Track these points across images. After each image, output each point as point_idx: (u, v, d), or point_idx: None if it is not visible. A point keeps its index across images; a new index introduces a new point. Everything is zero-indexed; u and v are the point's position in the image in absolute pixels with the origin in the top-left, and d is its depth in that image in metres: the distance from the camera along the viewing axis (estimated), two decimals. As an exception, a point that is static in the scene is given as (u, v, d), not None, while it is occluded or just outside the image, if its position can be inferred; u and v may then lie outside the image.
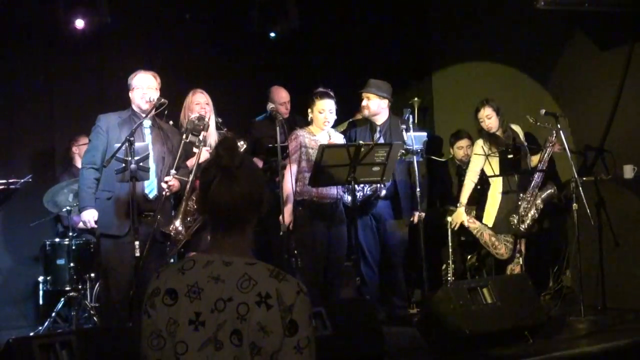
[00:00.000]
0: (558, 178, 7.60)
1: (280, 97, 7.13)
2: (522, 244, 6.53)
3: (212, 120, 5.85)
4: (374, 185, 6.22)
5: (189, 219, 5.49)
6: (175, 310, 2.09)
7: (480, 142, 6.75)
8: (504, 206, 6.61)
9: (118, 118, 5.41)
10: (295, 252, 6.27)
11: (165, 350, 2.08)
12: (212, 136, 5.83)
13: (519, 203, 6.49)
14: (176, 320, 2.08)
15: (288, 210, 5.86)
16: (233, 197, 2.12)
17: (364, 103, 6.56)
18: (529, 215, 6.48)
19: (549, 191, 6.47)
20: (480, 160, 6.70)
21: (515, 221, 6.43)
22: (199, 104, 5.85)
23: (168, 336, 2.08)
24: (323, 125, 5.98)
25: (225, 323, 2.04)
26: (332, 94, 6.01)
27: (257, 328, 2.01)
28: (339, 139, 6.13)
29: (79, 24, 7.04)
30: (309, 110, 6.08)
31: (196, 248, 5.65)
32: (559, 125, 6.34)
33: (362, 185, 6.16)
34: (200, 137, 5.55)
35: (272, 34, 8.12)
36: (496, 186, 6.68)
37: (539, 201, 6.45)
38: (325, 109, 5.95)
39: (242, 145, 5.70)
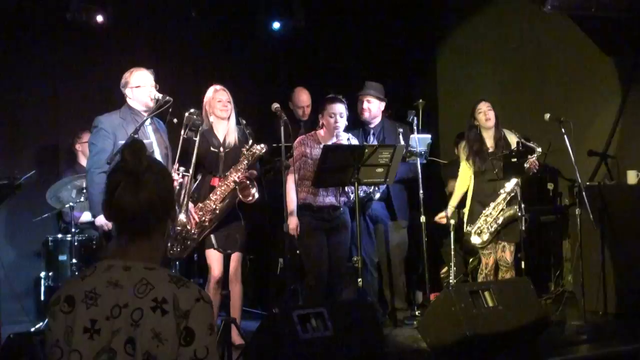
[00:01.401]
0: (557, 184, 7.61)
1: (301, 101, 7.10)
2: (506, 253, 6.38)
3: (232, 118, 5.84)
4: (367, 189, 6.20)
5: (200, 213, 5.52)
6: (72, 318, 2.00)
7: (463, 144, 6.58)
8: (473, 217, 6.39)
9: (119, 118, 5.34)
10: (298, 252, 6.28)
11: None
12: (231, 134, 5.80)
13: (479, 217, 6.35)
14: (72, 329, 1.99)
15: (293, 218, 5.87)
16: (139, 203, 2.04)
17: (364, 106, 6.51)
18: (487, 229, 6.25)
19: (511, 211, 6.26)
20: (467, 170, 6.50)
21: (472, 231, 6.33)
22: (221, 102, 5.79)
23: (64, 346, 2.00)
24: (333, 130, 5.93)
25: (119, 330, 1.96)
26: (342, 99, 5.98)
27: (151, 335, 1.93)
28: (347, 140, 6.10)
29: (99, 19, 7.07)
30: (320, 116, 6.06)
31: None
32: (563, 130, 6.31)
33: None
34: (199, 132, 5.55)
35: (277, 25, 8.11)
36: (469, 196, 6.47)
37: (500, 219, 6.27)
38: (335, 113, 5.91)
39: (262, 148, 5.66)
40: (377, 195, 6.37)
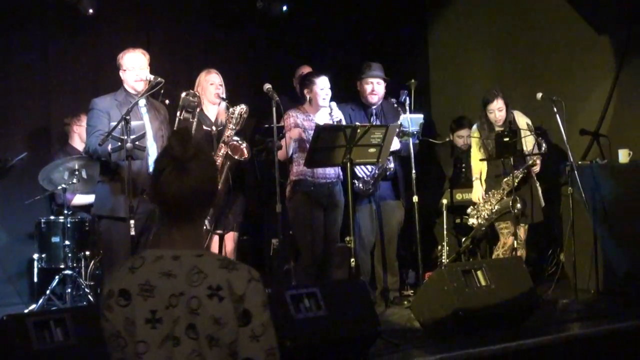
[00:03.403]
0: (555, 164, 7.61)
1: None
2: (521, 231, 6.41)
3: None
4: (381, 165, 6.18)
5: None
6: (131, 311, 2.06)
7: (475, 127, 6.63)
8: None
9: (115, 100, 5.35)
10: (291, 232, 6.29)
11: (126, 350, 2.07)
12: (223, 114, 5.86)
13: (482, 202, 6.49)
14: (133, 321, 2.06)
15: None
16: (182, 189, 2.08)
17: (375, 88, 6.41)
18: (484, 215, 6.45)
19: (507, 203, 6.30)
20: (477, 154, 6.60)
21: (473, 214, 6.47)
22: (214, 84, 5.88)
23: (127, 336, 2.06)
24: (322, 102, 6.01)
25: (179, 318, 2.03)
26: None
27: (211, 321, 2.01)
28: (340, 114, 6.09)
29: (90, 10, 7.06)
30: (306, 91, 6.08)
31: None
32: (555, 109, 6.31)
33: (367, 169, 6.19)
34: (195, 113, 5.55)
35: (285, 7, 8.09)
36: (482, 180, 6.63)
37: (496, 207, 6.38)
38: (325, 86, 6.04)
39: (242, 108, 5.67)
40: (391, 166, 6.30)
